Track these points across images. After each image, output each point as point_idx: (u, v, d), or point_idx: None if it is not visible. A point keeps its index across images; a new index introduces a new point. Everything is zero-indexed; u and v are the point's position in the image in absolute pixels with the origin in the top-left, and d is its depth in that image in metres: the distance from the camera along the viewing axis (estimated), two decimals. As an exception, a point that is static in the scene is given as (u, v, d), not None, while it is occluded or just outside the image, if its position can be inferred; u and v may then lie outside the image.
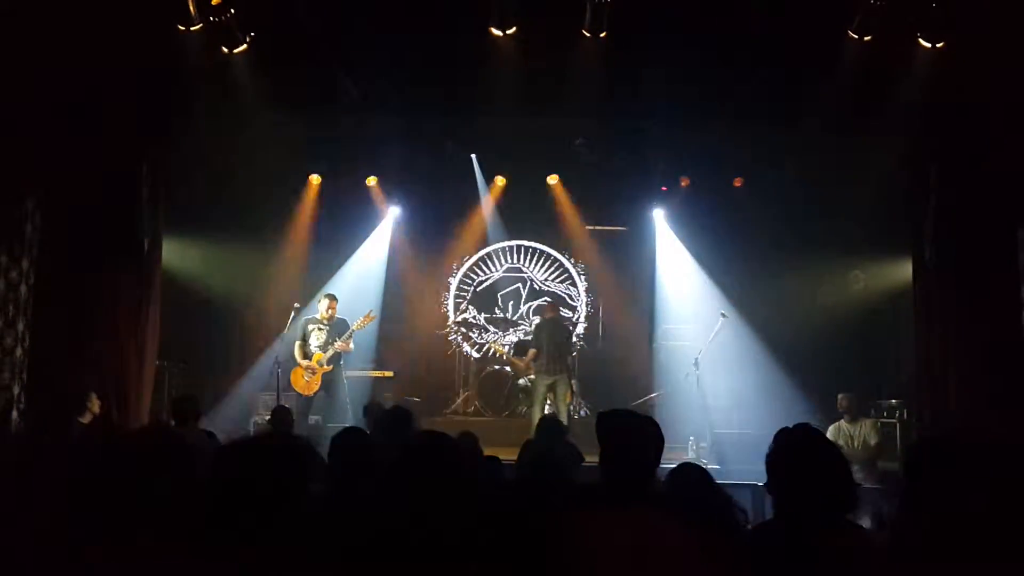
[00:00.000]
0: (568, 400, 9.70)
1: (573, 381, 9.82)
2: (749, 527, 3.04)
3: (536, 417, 9.47)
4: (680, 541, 2.32)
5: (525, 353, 10.11)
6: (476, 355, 11.52)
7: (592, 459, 3.47)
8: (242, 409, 9.67)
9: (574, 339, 10.50)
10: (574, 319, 11.51)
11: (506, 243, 11.85)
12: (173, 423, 6.39)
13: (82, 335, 8.24)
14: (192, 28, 7.50)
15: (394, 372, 10.40)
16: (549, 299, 11.29)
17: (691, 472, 3.28)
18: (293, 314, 9.05)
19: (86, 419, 7.48)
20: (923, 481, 2.32)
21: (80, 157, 8.05)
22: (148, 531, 1.96)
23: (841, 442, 7.55)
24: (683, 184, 10.88)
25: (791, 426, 2.67)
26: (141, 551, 1.92)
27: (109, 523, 1.99)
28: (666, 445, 2.78)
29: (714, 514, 2.82)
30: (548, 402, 9.76)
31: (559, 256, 11.87)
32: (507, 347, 11.10)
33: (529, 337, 10.93)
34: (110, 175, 8.39)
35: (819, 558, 2.25)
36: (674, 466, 3.34)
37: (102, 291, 8.42)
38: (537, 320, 10.97)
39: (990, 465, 2.33)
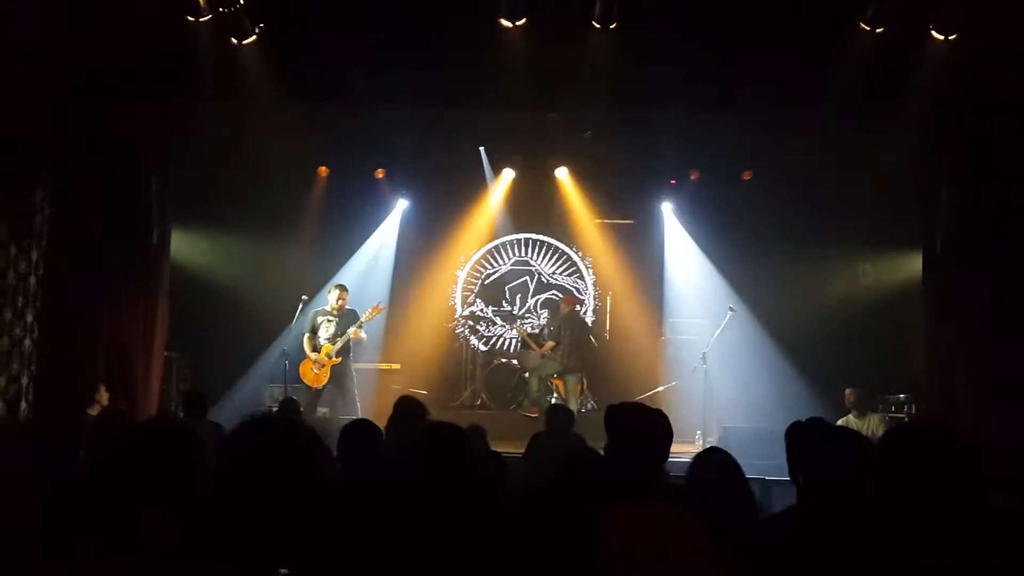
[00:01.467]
0: (578, 394, 9.74)
1: (583, 377, 9.90)
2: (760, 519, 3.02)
3: (532, 391, 9.62)
4: (691, 534, 2.31)
5: (538, 344, 10.16)
6: (483, 348, 11.51)
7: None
8: (250, 401, 9.68)
9: (592, 339, 10.54)
10: (582, 312, 11.48)
11: (514, 236, 11.83)
12: (182, 416, 6.40)
13: (91, 327, 8.26)
14: (201, 19, 7.50)
15: (401, 365, 10.41)
16: (565, 294, 11.28)
17: (717, 457, 3.23)
18: (301, 306, 9.05)
19: (95, 411, 7.50)
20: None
21: (89, 149, 8.07)
22: (157, 522, 1.96)
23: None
24: (692, 177, 10.87)
25: (804, 420, 2.66)
26: (150, 542, 1.92)
27: (118, 514, 1.99)
28: (674, 439, 2.77)
29: (731, 504, 2.80)
30: (553, 395, 9.80)
31: (567, 249, 11.85)
32: (528, 328, 11.04)
33: (537, 330, 10.95)
34: (119, 167, 8.40)
35: (842, 546, 2.23)
36: (701, 450, 3.31)
37: (111, 283, 8.44)
38: (547, 313, 10.98)
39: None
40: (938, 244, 8.61)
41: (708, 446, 3.27)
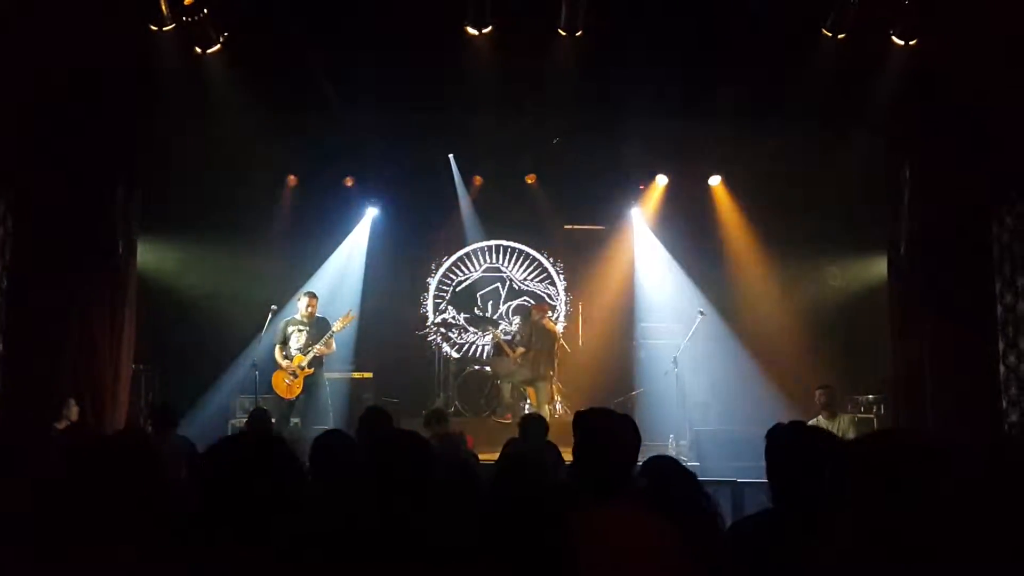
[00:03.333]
0: (550, 401, 9.75)
1: (556, 383, 9.93)
2: (722, 518, 3.02)
3: (505, 397, 9.64)
4: (659, 537, 2.32)
5: (511, 350, 10.17)
6: (456, 355, 11.49)
7: (569, 458, 3.46)
8: (220, 412, 9.59)
9: (563, 345, 10.59)
10: (554, 318, 11.50)
11: (485, 243, 11.83)
12: (150, 430, 6.32)
13: (56, 340, 8.13)
14: (165, 28, 7.44)
15: (373, 373, 10.35)
16: (536, 300, 11.31)
17: (663, 463, 3.25)
18: (271, 316, 8.98)
19: (62, 425, 7.37)
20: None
21: (53, 158, 7.96)
22: (122, 537, 1.93)
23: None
24: (660, 182, 10.94)
25: (785, 423, 2.68)
26: (115, 557, 1.89)
27: (84, 529, 1.97)
28: (646, 443, 2.78)
29: (689, 504, 2.80)
30: (526, 401, 9.81)
31: (538, 255, 11.87)
32: (503, 335, 11.03)
33: (509, 337, 10.94)
34: (83, 176, 8.28)
35: (818, 551, 2.24)
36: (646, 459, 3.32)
37: (76, 294, 8.31)
38: (519, 319, 10.99)
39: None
40: (902, 246, 8.73)
41: (653, 455, 3.26)
